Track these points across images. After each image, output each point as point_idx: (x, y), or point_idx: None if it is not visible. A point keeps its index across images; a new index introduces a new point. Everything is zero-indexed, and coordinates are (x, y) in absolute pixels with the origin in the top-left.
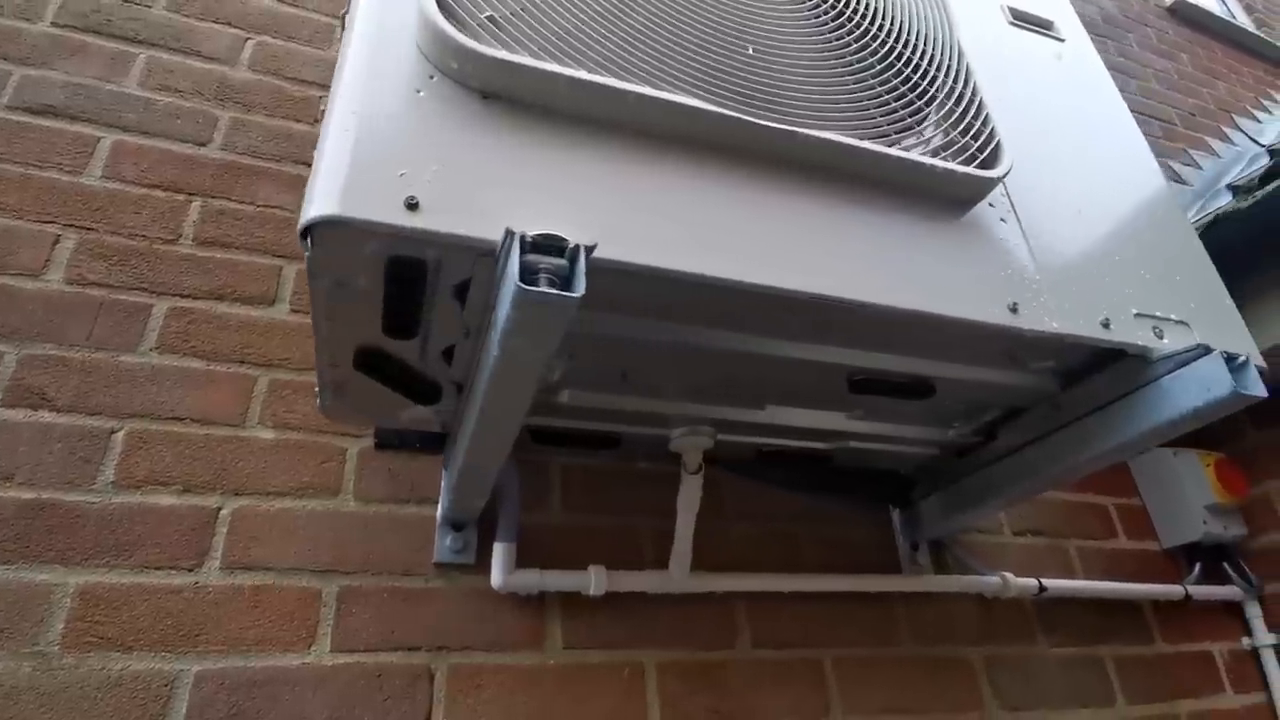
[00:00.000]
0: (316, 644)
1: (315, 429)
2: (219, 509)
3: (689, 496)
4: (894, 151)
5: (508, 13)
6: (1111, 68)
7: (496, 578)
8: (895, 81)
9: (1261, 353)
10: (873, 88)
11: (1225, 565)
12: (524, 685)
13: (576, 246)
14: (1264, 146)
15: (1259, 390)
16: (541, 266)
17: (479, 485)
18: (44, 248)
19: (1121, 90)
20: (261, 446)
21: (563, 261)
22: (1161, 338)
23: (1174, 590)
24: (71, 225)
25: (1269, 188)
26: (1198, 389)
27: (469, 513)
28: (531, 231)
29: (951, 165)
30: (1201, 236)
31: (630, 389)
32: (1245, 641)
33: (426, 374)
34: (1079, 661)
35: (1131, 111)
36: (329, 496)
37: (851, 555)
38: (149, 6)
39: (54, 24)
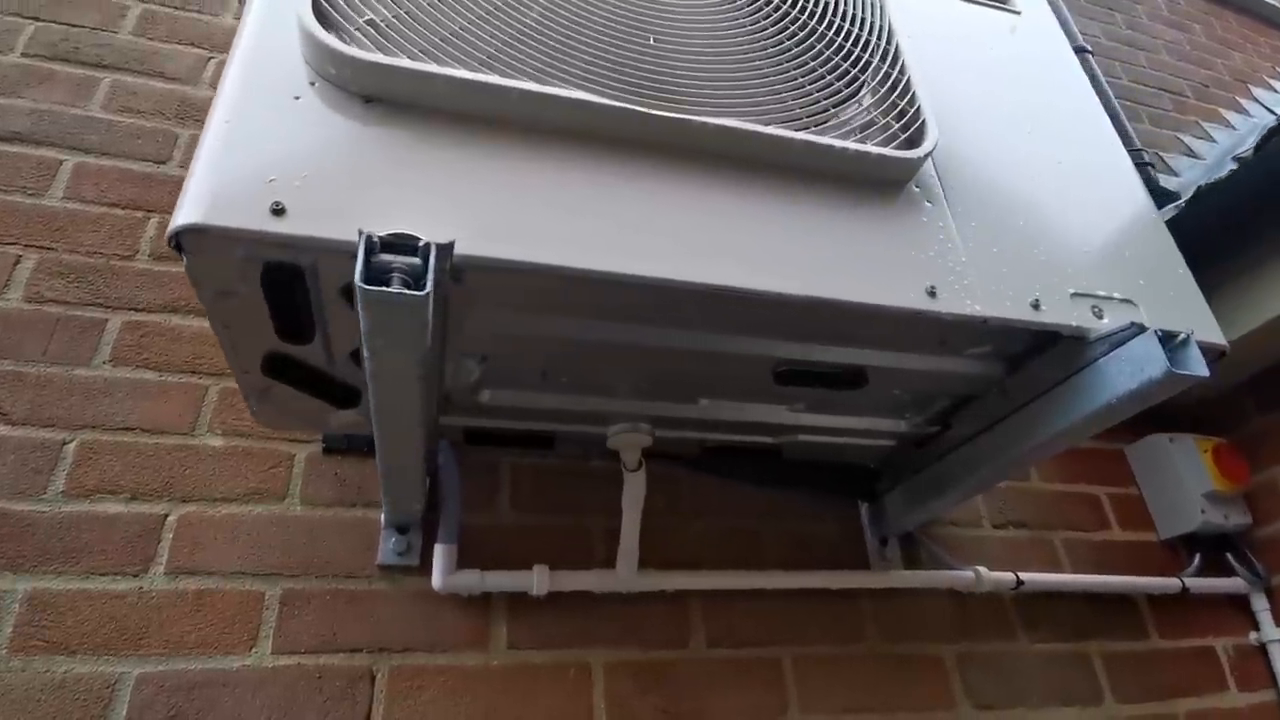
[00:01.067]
0: (258, 646)
1: (264, 436)
2: (166, 515)
3: (633, 494)
4: (801, 136)
5: (390, 16)
6: (1120, 40)
7: (437, 579)
8: (813, 65)
9: (1259, 327)
10: (788, 73)
11: (1229, 556)
12: (466, 686)
13: (428, 245)
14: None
15: (1198, 370)
16: (395, 266)
17: (406, 488)
18: (5, 268)
19: (1130, 63)
20: (210, 454)
21: (416, 260)
22: (1101, 317)
23: (1170, 583)
24: (32, 246)
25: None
26: (1132, 370)
27: (408, 515)
28: (385, 231)
29: (866, 148)
30: (1187, 211)
31: (552, 387)
32: (1253, 636)
33: (338, 377)
34: (1062, 658)
35: (1140, 85)
36: (275, 501)
37: (818, 552)
38: (115, 32)
39: (24, 54)
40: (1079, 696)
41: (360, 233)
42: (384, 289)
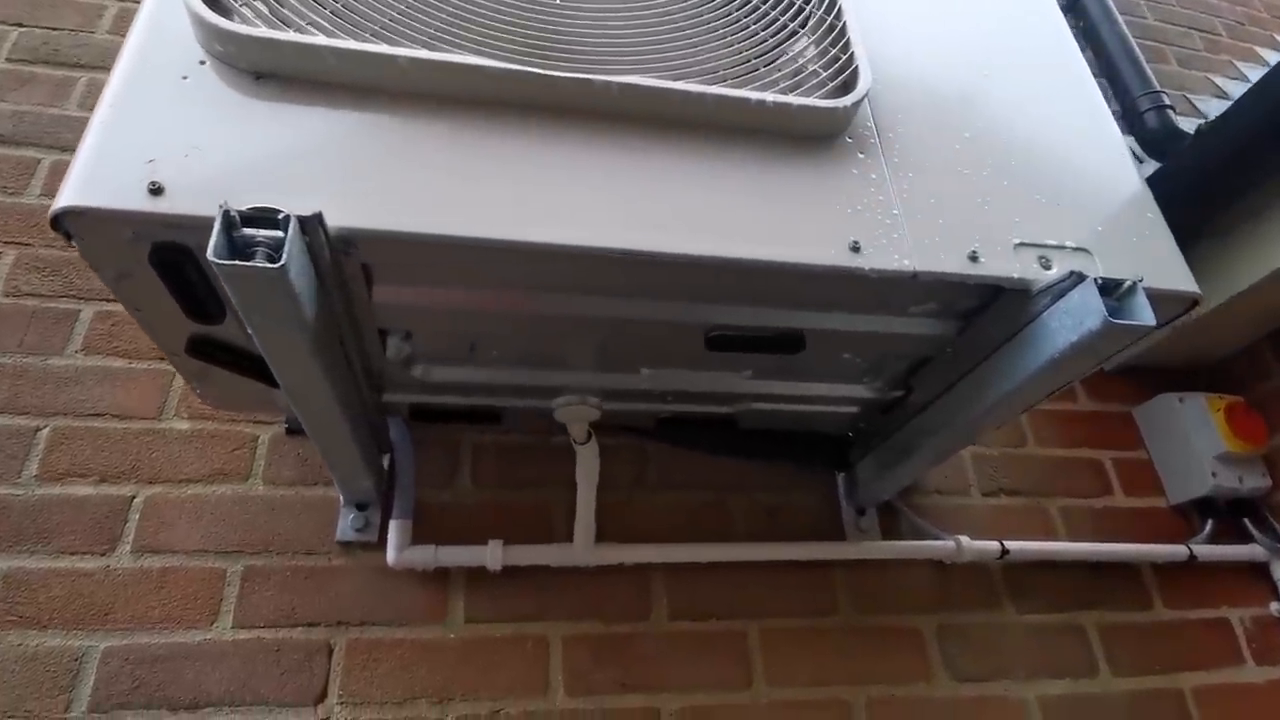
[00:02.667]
0: (219, 621)
1: (229, 419)
2: (132, 497)
3: (586, 468)
4: (713, 91)
5: None
6: None
7: (391, 554)
8: (739, 16)
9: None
10: (710, 26)
11: (1246, 521)
12: (423, 658)
13: (288, 216)
14: None
15: (1143, 319)
16: (259, 240)
17: (347, 465)
18: None
19: (1157, 1)
20: (176, 437)
21: (279, 234)
22: (1049, 268)
23: (1176, 550)
24: (11, 243)
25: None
26: (1072, 322)
27: (360, 492)
28: (248, 205)
29: (786, 99)
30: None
31: (485, 361)
32: (1273, 607)
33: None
34: (1053, 629)
35: (1168, 24)
36: (239, 481)
37: (791, 524)
38: (92, 32)
39: (8, 59)
40: (1071, 669)
41: (220, 207)
42: (234, 263)
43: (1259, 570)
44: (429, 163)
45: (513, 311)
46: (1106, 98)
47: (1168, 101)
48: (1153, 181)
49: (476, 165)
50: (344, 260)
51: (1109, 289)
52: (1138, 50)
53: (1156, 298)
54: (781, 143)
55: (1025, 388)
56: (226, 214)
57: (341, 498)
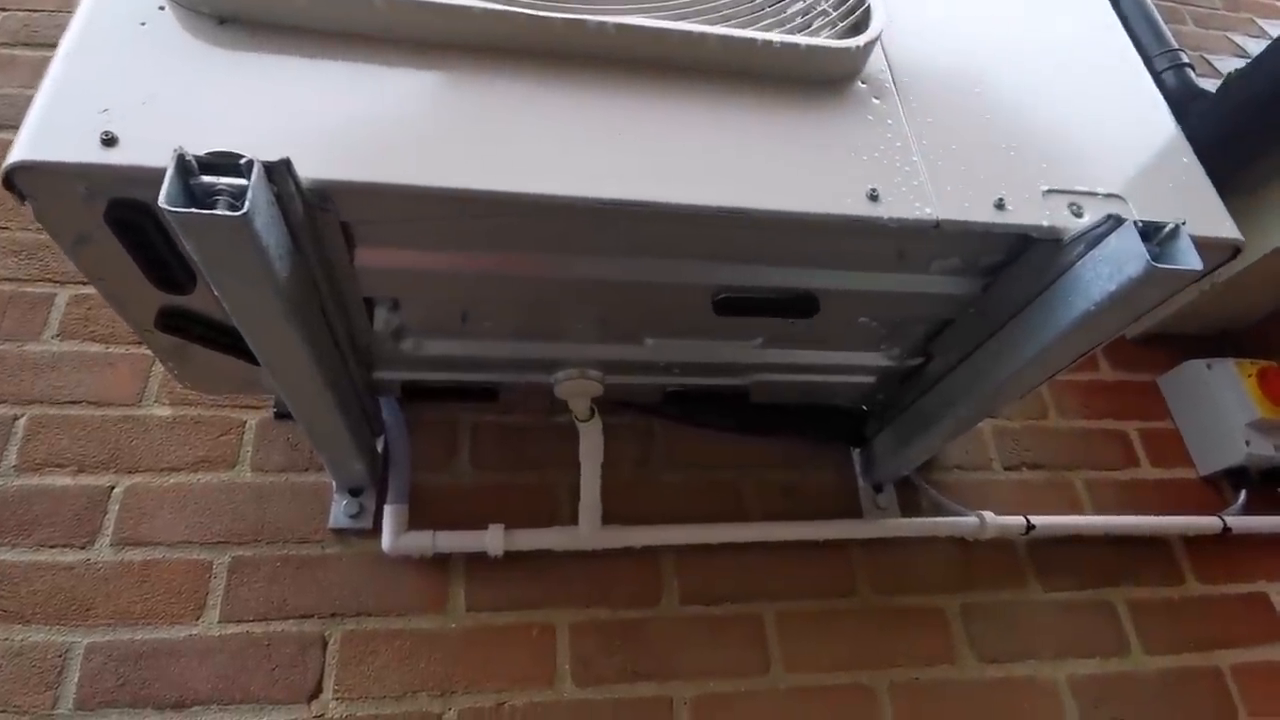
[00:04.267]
0: (204, 616)
1: (213, 403)
2: (112, 487)
3: (590, 446)
4: (715, 31)
5: None
6: None
7: (386, 541)
8: None
9: None
10: None
11: None
12: (422, 649)
13: (251, 161)
14: None
15: (1189, 263)
16: (219, 189)
17: (336, 447)
18: None
19: None
20: (157, 424)
21: (242, 181)
22: (1080, 215)
23: (1208, 523)
24: None
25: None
26: (1110, 270)
27: (352, 476)
28: (205, 150)
29: (794, 39)
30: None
31: (479, 333)
32: None
33: None
34: (1082, 607)
35: None
36: (225, 469)
37: (806, 502)
38: (69, 12)
39: None
40: (1100, 648)
41: (174, 151)
42: (189, 210)
43: None
44: (408, 111)
45: (505, 274)
46: None
47: (1186, 60)
48: None
49: (461, 114)
50: (320, 217)
51: (1149, 234)
52: (1154, 9)
53: (1196, 245)
54: (791, 87)
55: (1055, 348)
56: (181, 159)
57: (334, 483)
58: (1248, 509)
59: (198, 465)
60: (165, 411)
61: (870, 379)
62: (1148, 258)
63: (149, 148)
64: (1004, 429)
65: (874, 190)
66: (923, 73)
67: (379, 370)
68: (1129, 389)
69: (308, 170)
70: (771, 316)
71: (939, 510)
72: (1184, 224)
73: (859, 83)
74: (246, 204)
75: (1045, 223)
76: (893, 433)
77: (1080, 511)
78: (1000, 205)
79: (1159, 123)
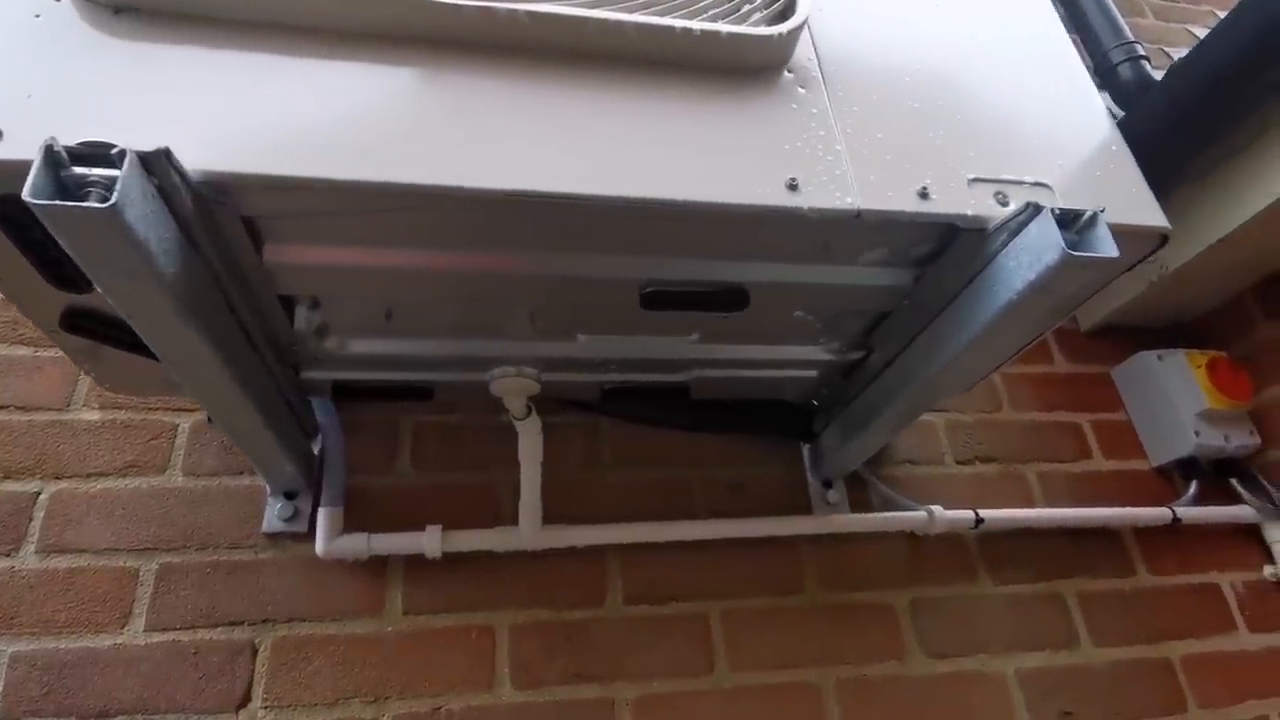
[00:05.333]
0: (130, 624)
1: (145, 407)
2: (37, 494)
3: (529, 445)
4: (633, 19)
5: None
6: None
7: (320, 544)
8: None
9: (1255, 216)
10: None
11: (1234, 482)
12: (357, 654)
13: (123, 151)
14: None
15: (1105, 250)
16: (91, 180)
17: (260, 449)
18: None
19: None
20: (85, 428)
21: (116, 172)
22: (1006, 204)
23: (1158, 513)
24: None
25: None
26: (1030, 259)
27: (285, 480)
28: (77, 140)
29: (715, 27)
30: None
31: (406, 331)
32: (1267, 570)
33: None
34: (1031, 600)
35: None
36: (155, 473)
37: (755, 499)
38: None
39: None
40: (1049, 640)
41: (44, 142)
42: (53, 202)
43: (1249, 532)
44: (310, 103)
45: (423, 271)
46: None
47: (1142, 52)
48: (1122, 127)
49: (365, 105)
50: (217, 210)
51: (1068, 221)
52: (1111, 2)
53: (1123, 234)
54: (714, 76)
55: (985, 338)
56: (50, 150)
57: (268, 486)
58: (1199, 500)
59: (126, 470)
60: (94, 415)
61: (813, 373)
62: (1063, 245)
63: (32, 143)
64: (956, 422)
65: (793, 180)
66: (852, 61)
67: (307, 370)
68: (1082, 381)
69: (198, 162)
70: (701, 310)
71: (889, 505)
72: (1103, 211)
73: (785, 72)
74: (115, 195)
75: (970, 212)
76: (838, 428)
77: (1033, 504)
78: (924, 194)
79: (1091, 112)
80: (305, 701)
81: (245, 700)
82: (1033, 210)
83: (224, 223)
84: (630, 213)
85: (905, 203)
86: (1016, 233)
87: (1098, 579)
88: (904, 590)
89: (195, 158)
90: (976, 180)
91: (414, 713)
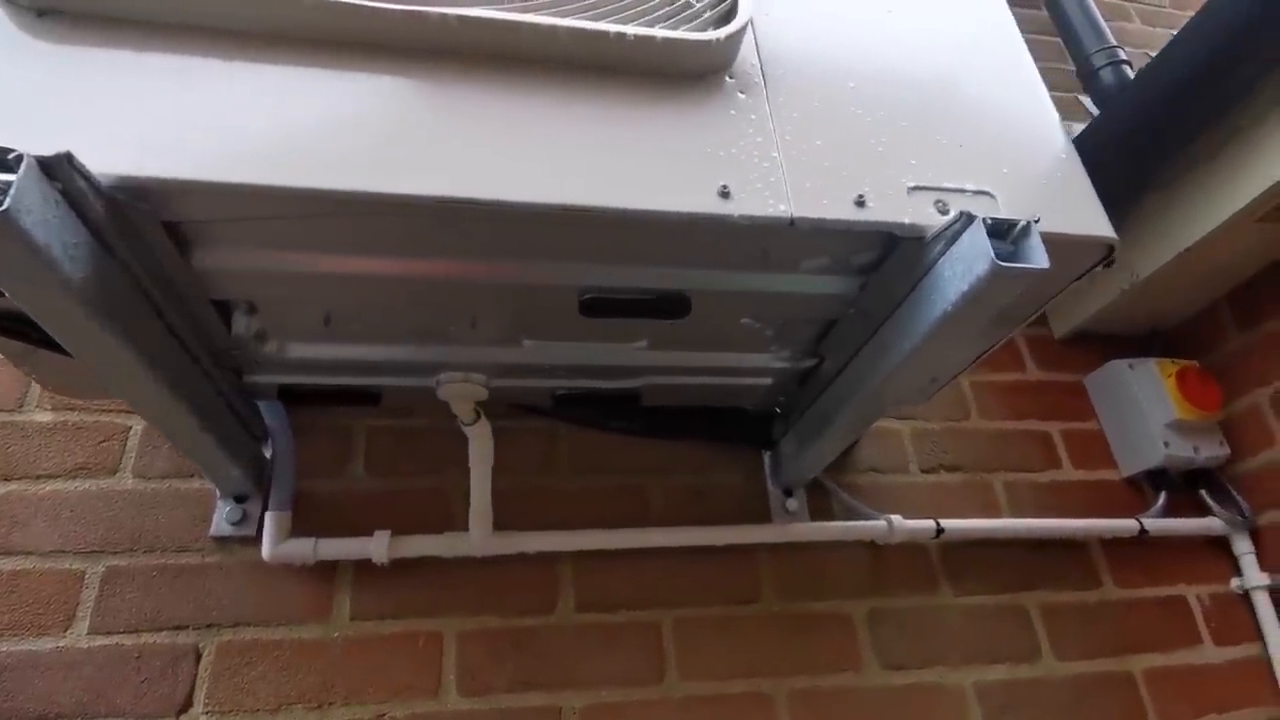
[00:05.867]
0: (74, 627)
1: (98, 409)
2: None
3: (478, 451)
4: (565, 23)
5: None
6: None
7: (266, 549)
8: None
9: (1225, 222)
10: None
11: (1204, 493)
12: (302, 659)
13: (20, 155)
14: None
15: (1036, 261)
16: None
17: (198, 451)
18: None
19: None
20: (37, 430)
21: (9, 176)
22: (946, 213)
23: (1124, 525)
24: None
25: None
26: (963, 269)
27: (232, 484)
28: None
29: (651, 32)
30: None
31: (346, 336)
32: (1234, 583)
33: None
34: (993, 612)
35: None
36: (105, 476)
37: (714, 507)
38: None
39: None
40: (1010, 653)
41: None
42: None
43: (1219, 545)
44: (233, 107)
45: (357, 277)
46: (1062, 56)
47: (1124, 57)
48: (1090, 132)
49: (291, 109)
50: (134, 216)
51: (1001, 231)
52: (1094, 6)
53: (1068, 244)
54: (653, 81)
55: (927, 348)
56: None
57: (217, 490)
58: (1168, 511)
59: (76, 472)
60: (46, 417)
61: (766, 381)
62: (992, 256)
63: None
64: (922, 430)
65: (725, 187)
66: (798, 65)
67: (250, 374)
68: (1054, 389)
69: (112, 166)
70: (642, 317)
71: (850, 514)
72: (1037, 221)
73: (726, 77)
74: (8, 201)
75: (907, 220)
76: (795, 435)
77: (998, 514)
78: (860, 202)
79: (1042, 120)
80: (247, 707)
81: (187, 705)
82: (965, 219)
83: (143, 228)
84: (563, 219)
85: (840, 211)
86: (952, 242)
87: (1062, 591)
88: (863, 600)
89: (109, 162)
90: (917, 188)
91: (358, 719)
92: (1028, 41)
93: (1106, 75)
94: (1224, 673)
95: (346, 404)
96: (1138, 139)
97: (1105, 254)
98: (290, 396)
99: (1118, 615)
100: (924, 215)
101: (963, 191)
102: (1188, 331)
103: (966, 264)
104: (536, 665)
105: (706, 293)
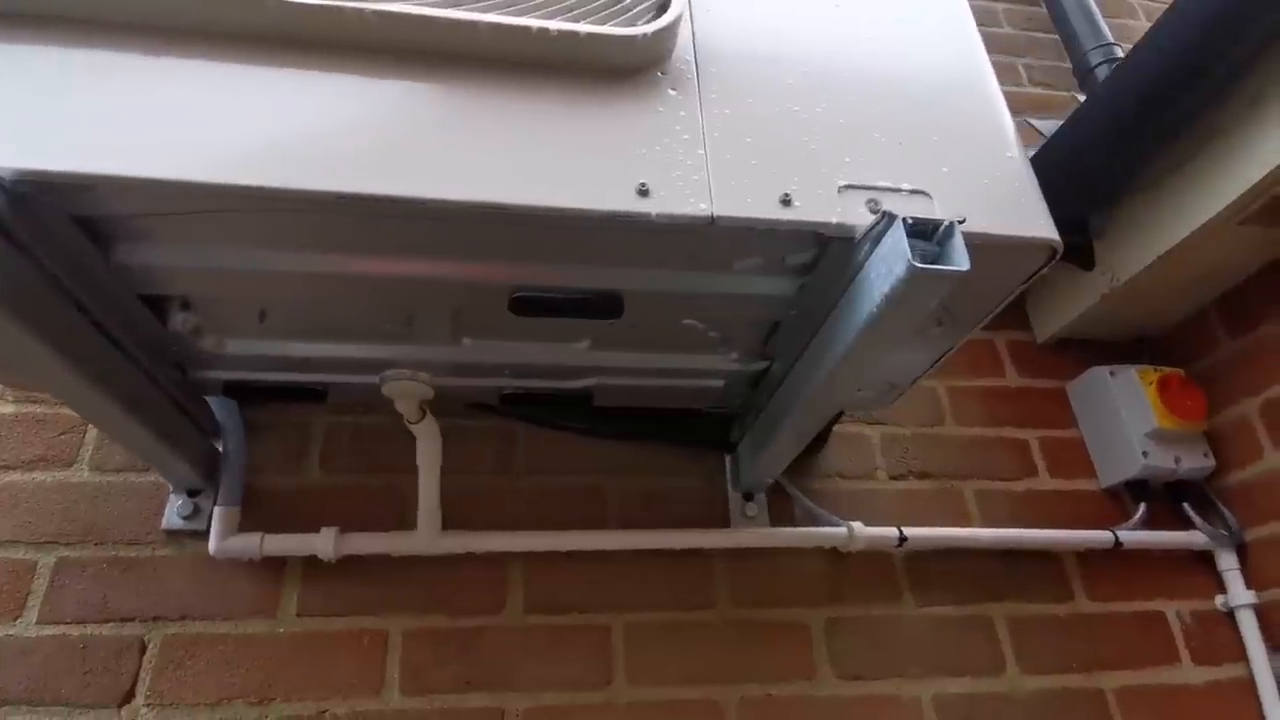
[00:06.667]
0: (23, 617)
1: (60, 401)
2: None
3: (425, 449)
4: (487, 19)
5: None
6: None
7: (213, 543)
8: None
9: (1208, 222)
10: None
11: (1186, 506)
12: (244, 655)
13: None
14: None
15: (957, 264)
16: None
17: (139, 446)
18: None
19: None
20: None
21: None
22: (876, 212)
23: (1098, 537)
24: None
25: None
26: (885, 270)
27: (181, 477)
28: None
29: (575, 27)
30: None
31: (284, 332)
32: (1218, 600)
33: None
34: (957, 623)
35: None
36: (62, 468)
37: (672, 510)
38: None
39: None
40: (973, 666)
41: None
42: None
43: (1202, 559)
44: (142, 101)
45: (283, 274)
46: (1062, 54)
47: (1120, 54)
48: (1063, 135)
49: (200, 103)
50: (43, 212)
51: (926, 231)
52: (1093, 2)
53: (1010, 246)
54: (584, 79)
55: (859, 352)
56: None
57: (170, 484)
58: (1148, 524)
59: (34, 464)
60: (8, 409)
61: (718, 383)
62: (908, 257)
63: None
64: (893, 436)
65: (644, 185)
66: (735, 62)
67: (195, 370)
68: (1035, 396)
69: (15, 161)
70: (573, 317)
71: (812, 520)
72: (961, 221)
73: (659, 73)
74: None
75: (834, 220)
76: (751, 439)
77: (968, 523)
78: (786, 201)
79: (989, 120)
80: (188, 700)
81: (129, 696)
82: (888, 220)
83: (54, 224)
84: (480, 216)
85: (764, 210)
86: (877, 242)
87: (1031, 603)
88: (821, 608)
89: (8, 156)
90: (848, 187)
91: (298, 715)
92: (1026, 39)
93: (1103, 73)
94: (1203, 694)
95: (293, 401)
96: (1117, 137)
97: (1049, 257)
98: (237, 392)
99: (1089, 629)
100: (854, 215)
101: (898, 191)
102: (1177, 338)
103: (888, 265)
104: (481, 666)
105: (640, 293)
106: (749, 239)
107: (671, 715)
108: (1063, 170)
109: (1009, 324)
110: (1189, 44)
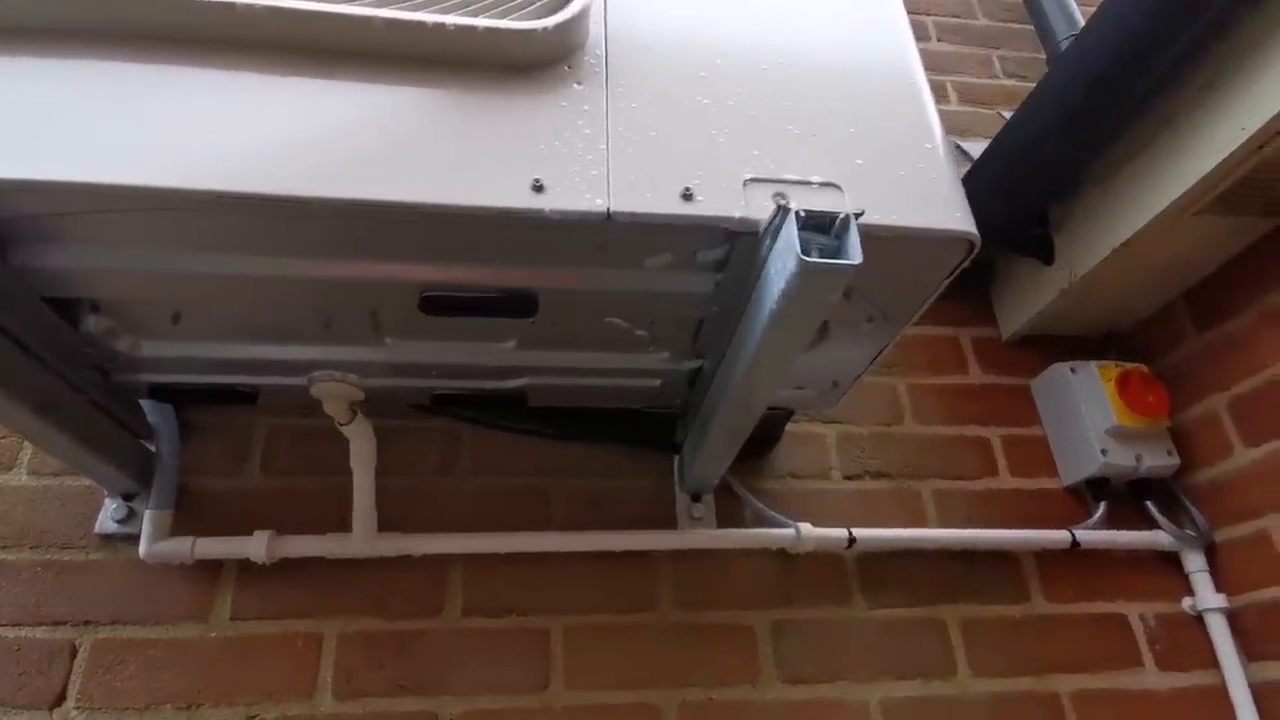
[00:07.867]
0: None
1: None
2: None
3: (358, 450)
4: (382, 14)
5: None
6: None
7: (143, 547)
8: None
9: (1167, 209)
10: None
11: (1149, 505)
12: (174, 659)
13: None
14: None
15: (849, 257)
16: None
17: (57, 450)
18: None
19: None
20: None
21: None
22: (781, 207)
23: (1055, 536)
24: None
25: None
26: (782, 265)
27: (110, 481)
28: None
29: (471, 21)
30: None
31: (200, 334)
32: (1186, 603)
33: None
34: (908, 625)
35: None
36: (1, 472)
37: (618, 511)
38: None
39: None
40: (923, 669)
41: None
42: None
43: (1168, 560)
44: (30, 101)
45: (183, 275)
46: (1035, 45)
47: None
48: (1016, 124)
49: (81, 102)
50: None
51: (824, 225)
52: None
53: (924, 240)
54: (485, 74)
55: (768, 349)
56: None
57: (105, 488)
58: (1109, 523)
59: None
60: None
61: (654, 382)
62: (797, 251)
63: None
64: (849, 435)
65: (538, 181)
66: (646, 55)
67: (118, 373)
68: (998, 393)
69: None
70: (484, 316)
71: (761, 521)
72: (859, 215)
73: (565, 67)
74: None
75: (737, 214)
76: (692, 439)
77: (924, 523)
78: (688, 195)
79: (908, 111)
80: (116, 705)
81: (60, 699)
82: (783, 213)
83: None
84: (378, 215)
85: (664, 204)
86: (775, 236)
87: (985, 605)
88: (768, 611)
89: None
90: (754, 180)
91: None
92: (1004, 30)
93: None
94: (1168, 700)
95: (224, 403)
96: (1067, 127)
97: (967, 250)
98: (164, 395)
99: (1045, 632)
100: (759, 209)
101: (808, 184)
102: (1144, 334)
103: (783, 260)
104: (416, 669)
105: (554, 291)
106: (653, 235)
107: (609, 719)
108: (1019, 161)
109: (975, 321)
110: (1134, 30)
